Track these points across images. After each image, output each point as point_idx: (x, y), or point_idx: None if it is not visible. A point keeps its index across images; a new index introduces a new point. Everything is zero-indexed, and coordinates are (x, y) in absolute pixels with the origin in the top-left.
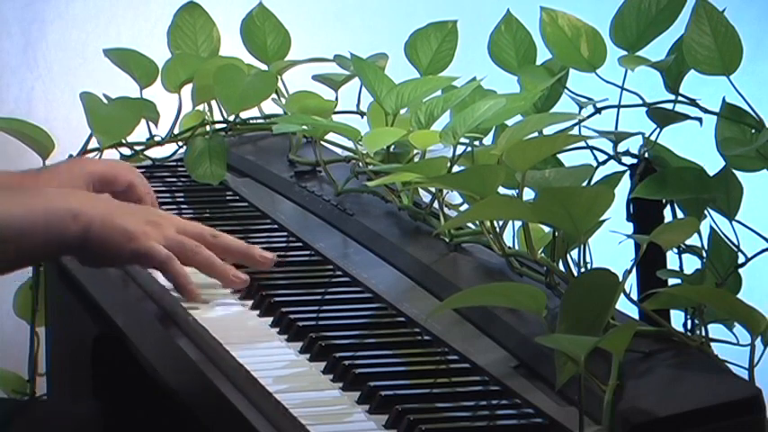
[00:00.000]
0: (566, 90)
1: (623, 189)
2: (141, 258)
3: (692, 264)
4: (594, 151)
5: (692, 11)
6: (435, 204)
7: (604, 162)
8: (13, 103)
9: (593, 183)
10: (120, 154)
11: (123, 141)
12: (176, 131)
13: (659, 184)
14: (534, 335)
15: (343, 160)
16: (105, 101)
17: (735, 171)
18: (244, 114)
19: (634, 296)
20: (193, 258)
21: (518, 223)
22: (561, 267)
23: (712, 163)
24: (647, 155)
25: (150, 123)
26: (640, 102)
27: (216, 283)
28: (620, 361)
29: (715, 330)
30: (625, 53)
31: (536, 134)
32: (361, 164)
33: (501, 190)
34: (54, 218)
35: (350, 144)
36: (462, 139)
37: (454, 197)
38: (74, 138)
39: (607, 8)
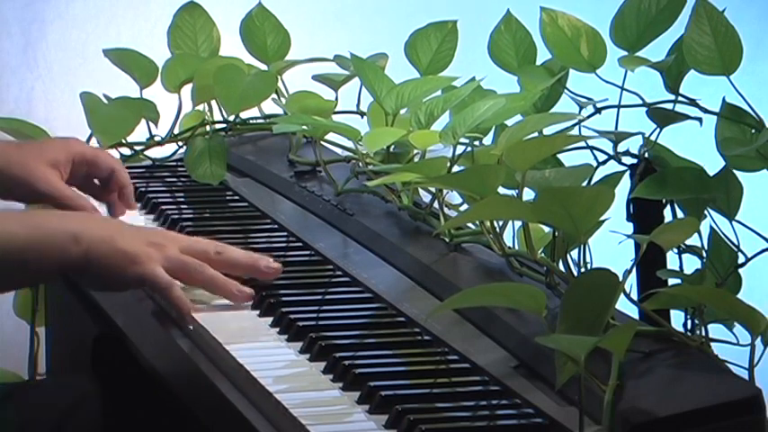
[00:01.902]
0: (566, 90)
1: (623, 189)
2: (143, 283)
3: (692, 264)
4: (594, 151)
5: (692, 11)
6: (435, 204)
7: (604, 162)
8: (13, 103)
9: (593, 183)
10: (121, 154)
11: (123, 141)
12: (176, 131)
13: (659, 184)
14: (534, 335)
15: (344, 160)
16: (105, 101)
17: (735, 171)
18: (244, 114)
19: (634, 296)
20: (197, 278)
21: (518, 223)
22: (561, 267)
23: (712, 163)
24: (647, 155)
25: (150, 123)
26: (640, 102)
27: None
28: (620, 361)
29: (715, 330)
30: (625, 53)
31: (536, 134)
32: (361, 164)
33: (501, 190)
34: (54, 239)
35: (350, 144)
36: (462, 139)
37: (454, 197)
38: None
39: (607, 8)
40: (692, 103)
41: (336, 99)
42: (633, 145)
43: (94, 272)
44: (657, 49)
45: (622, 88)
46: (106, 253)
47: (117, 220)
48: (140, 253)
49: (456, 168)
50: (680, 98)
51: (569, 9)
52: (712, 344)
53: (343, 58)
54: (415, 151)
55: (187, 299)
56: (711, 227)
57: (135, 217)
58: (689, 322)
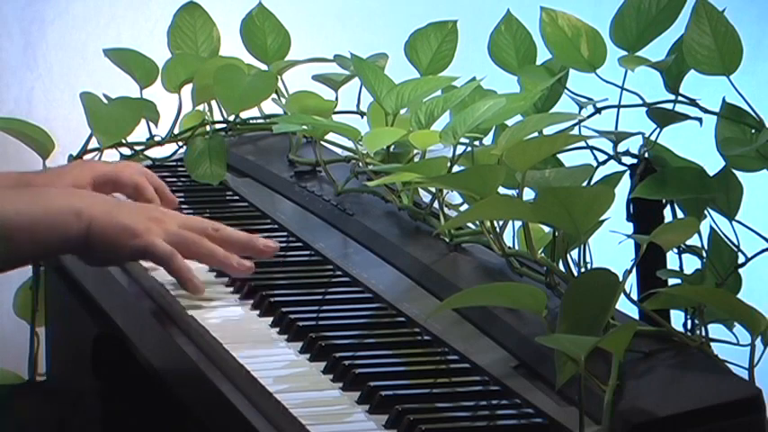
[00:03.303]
0: (566, 90)
1: (623, 189)
2: (144, 254)
3: (692, 264)
4: (594, 151)
5: (692, 11)
6: (435, 204)
7: (604, 162)
8: (13, 103)
9: (593, 183)
10: (120, 154)
11: (123, 141)
12: (176, 131)
13: (659, 184)
14: (534, 335)
15: (344, 160)
16: (105, 101)
17: (735, 171)
18: (244, 114)
19: (634, 296)
20: (196, 251)
21: (518, 223)
22: (561, 267)
23: (712, 163)
24: (647, 155)
25: (150, 123)
26: (640, 102)
27: (216, 281)
28: (620, 361)
29: (715, 330)
30: (625, 53)
31: (536, 134)
32: (361, 164)
33: (501, 190)
34: (57, 215)
35: (350, 144)
36: (462, 139)
37: (454, 197)
38: (74, 138)
39: (607, 8)
40: (692, 103)
41: (336, 99)
42: (633, 145)
43: (95, 246)
44: (657, 49)
45: (622, 88)
46: (106, 227)
47: (116, 198)
48: (140, 226)
49: (456, 168)
50: (680, 98)
51: (569, 9)
52: (712, 344)
53: (344, 58)
54: (415, 151)
55: (188, 267)
56: (711, 227)
57: None
58: (689, 322)
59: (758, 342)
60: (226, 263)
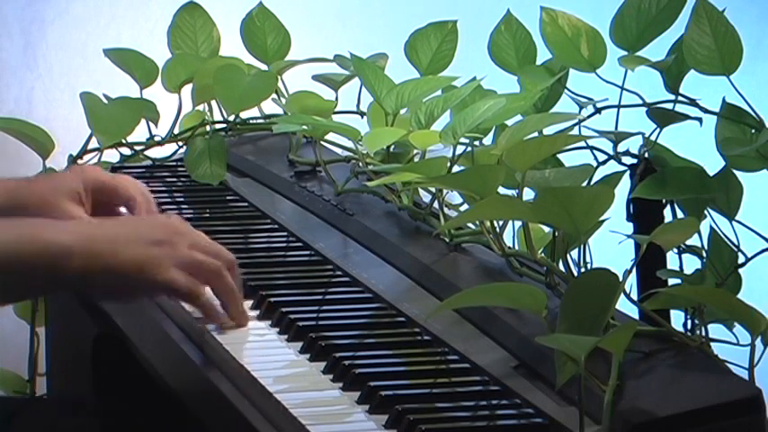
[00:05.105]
0: (566, 90)
1: (623, 189)
2: (162, 292)
3: (692, 264)
4: (594, 151)
5: (692, 11)
6: (435, 204)
7: (604, 162)
8: (13, 103)
9: (593, 183)
10: (121, 154)
11: (123, 141)
12: (176, 131)
13: (659, 184)
14: (534, 335)
15: (344, 160)
16: (105, 101)
17: (735, 171)
18: (244, 114)
19: (634, 296)
20: (215, 281)
21: (518, 223)
22: (561, 267)
23: (712, 163)
24: (647, 155)
25: (150, 123)
26: (640, 102)
27: None
28: (620, 361)
29: (715, 330)
30: (625, 53)
31: (536, 134)
32: (361, 164)
33: (501, 190)
34: (46, 253)
35: (350, 144)
36: (462, 139)
37: (454, 197)
38: (74, 138)
39: (607, 8)
40: (692, 103)
41: (336, 99)
42: (633, 145)
43: (100, 286)
44: (657, 49)
45: (622, 88)
46: (110, 266)
47: (118, 222)
48: (147, 258)
49: (456, 168)
50: (680, 98)
51: (569, 9)
52: (712, 344)
53: (344, 58)
54: (415, 151)
55: (213, 304)
56: (711, 227)
57: None
58: (689, 322)
59: (758, 342)
60: (236, 306)
